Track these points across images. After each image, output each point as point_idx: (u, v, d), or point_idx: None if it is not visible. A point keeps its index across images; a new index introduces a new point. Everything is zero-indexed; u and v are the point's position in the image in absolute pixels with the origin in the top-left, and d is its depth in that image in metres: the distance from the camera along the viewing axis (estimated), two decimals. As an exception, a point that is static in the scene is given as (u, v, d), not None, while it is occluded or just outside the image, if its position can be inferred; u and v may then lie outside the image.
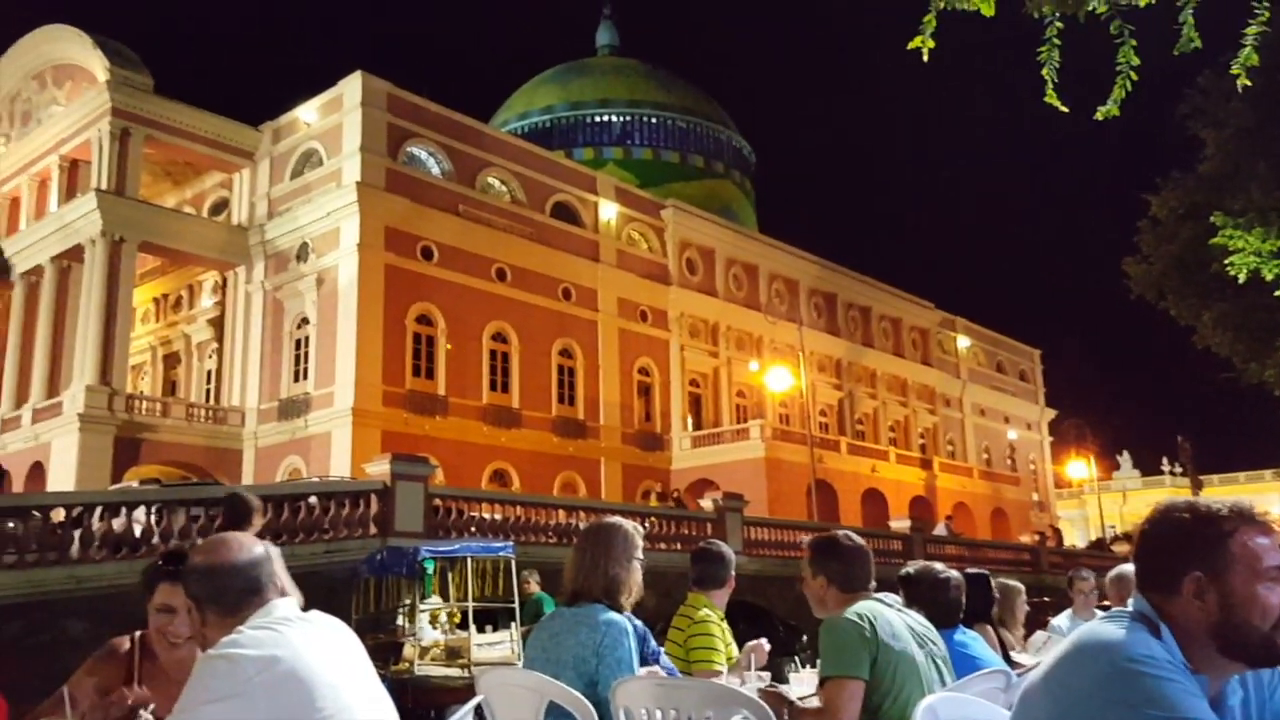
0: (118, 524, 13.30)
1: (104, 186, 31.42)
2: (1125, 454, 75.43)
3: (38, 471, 30.82)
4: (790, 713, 3.23)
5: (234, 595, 2.18)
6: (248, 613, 2.15)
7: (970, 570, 5.28)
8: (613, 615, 3.36)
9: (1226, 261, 15.69)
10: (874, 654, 3.11)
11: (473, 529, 17.07)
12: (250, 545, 2.30)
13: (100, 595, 11.75)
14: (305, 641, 2.10)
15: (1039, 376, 63.01)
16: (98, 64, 32.75)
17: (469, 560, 13.86)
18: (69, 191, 34.12)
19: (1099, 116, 4.83)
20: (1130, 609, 1.74)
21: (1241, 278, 15.57)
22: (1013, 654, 4.79)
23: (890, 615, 3.25)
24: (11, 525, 12.55)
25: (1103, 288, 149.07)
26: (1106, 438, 68.40)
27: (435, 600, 13.67)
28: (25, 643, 11.12)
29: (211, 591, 2.18)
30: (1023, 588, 5.64)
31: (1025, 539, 37.47)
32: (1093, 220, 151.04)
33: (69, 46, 34.80)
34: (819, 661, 3.20)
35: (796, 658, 3.98)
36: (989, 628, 4.86)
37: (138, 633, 2.66)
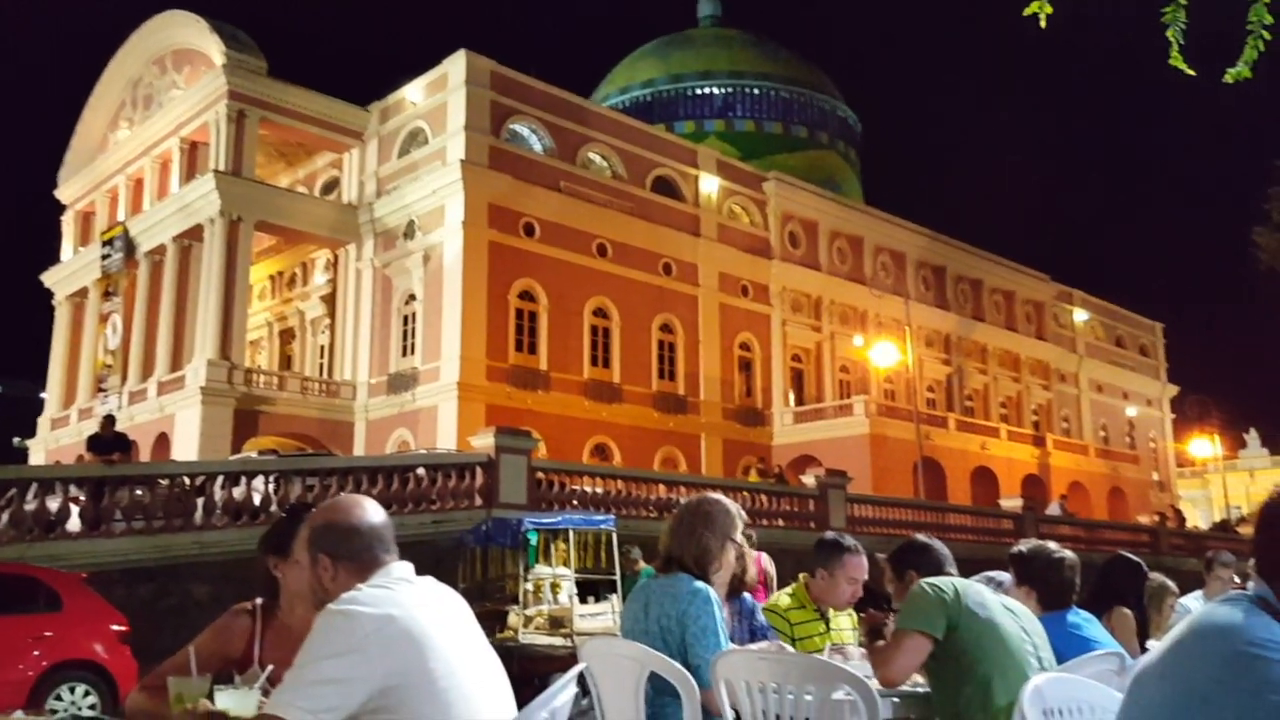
0: (238, 492, 13.89)
1: (222, 168, 32.62)
2: (1252, 431, 71.85)
3: (163, 442, 32.38)
4: (870, 650, 3.35)
5: (364, 553, 2.25)
6: (371, 572, 2.21)
7: (1126, 554, 5.12)
8: (699, 585, 3.35)
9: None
10: (954, 618, 3.08)
11: (574, 502, 17.30)
12: (378, 507, 2.38)
13: (224, 560, 12.29)
14: (419, 602, 2.15)
15: (1161, 351, 60.46)
16: (214, 48, 33.95)
17: (571, 532, 14.07)
18: (189, 173, 35.52)
19: (1228, 79, 4.55)
20: (1249, 592, 1.65)
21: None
22: (1149, 642, 4.61)
23: (980, 587, 3.22)
24: (139, 493, 13.23)
25: (1230, 259, 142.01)
26: (1232, 415, 65.17)
27: (539, 570, 13.90)
28: (155, 605, 11.71)
29: (343, 548, 2.25)
30: (1176, 589, 5.41)
31: (1144, 520, 36.12)
32: (1221, 188, 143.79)
33: (187, 31, 36.14)
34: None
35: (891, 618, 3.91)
36: (1128, 612, 4.68)
37: (259, 600, 2.74)
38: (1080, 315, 53.69)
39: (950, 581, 3.21)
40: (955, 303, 47.42)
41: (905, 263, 45.68)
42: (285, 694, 1.95)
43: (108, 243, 37.26)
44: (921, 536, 3.85)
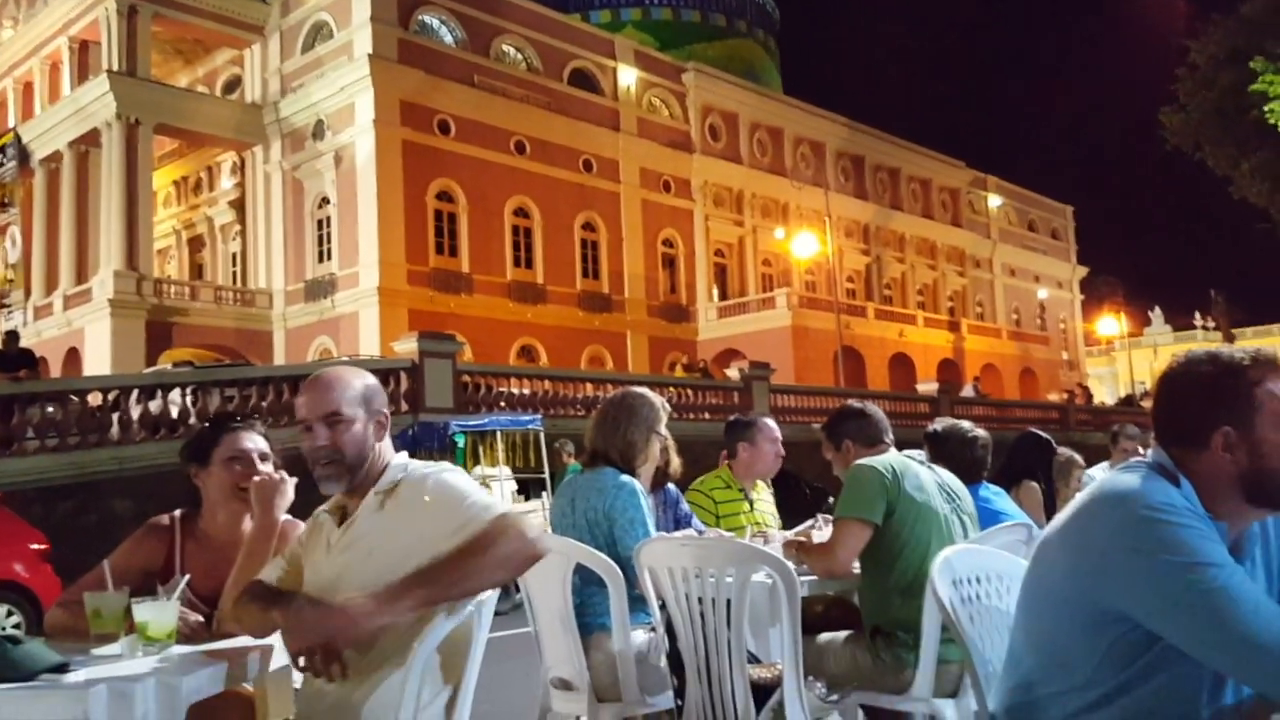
0: (155, 406, 13.59)
1: (115, 68, 30.95)
2: (1157, 309, 74.68)
3: (73, 357, 31.39)
4: (794, 552, 3.35)
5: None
6: None
7: (1035, 431, 5.31)
8: (625, 478, 3.38)
9: (1266, 109, 15.17)
10: (893, 503, 3.14)
11: (502, 404, 17.31)
12: None
13: (143, 475, 12.09)
14: None
15: (1071, 234, 61.95)
16: (97, -61, 31.84)
17: (499, 434, 14.11)
18: (81, 75, 33.68)
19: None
20: (1149, 460, 1.71)
21: (1281, 125, 15.08)
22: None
23: (918, 469, 3.27)
24: (51, 410, 12.86)
25: (1138, 141, 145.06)
26: (1139, 294, 67.79)
27: (473, 472, 13.95)
28: (75, 523, 11.50)
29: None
30: (1083, 462, 5.62)
31: (1054, 398, 37.55)
32: (1129, 70, 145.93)
33: (67, -79, 33.81)
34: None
35: (820, 516, 4.02)
36: (1035, 485, 4.86)
37: (178, 511, 2.70)
38: (994, 201, 54.59)
39: (889, 464, 3.23)
40: (874, 192, 47.79)
41: (825, 153, 45.71)
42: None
43: (-1, 150, 35.37)
44: (856, 402, 3.83)
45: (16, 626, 7.77)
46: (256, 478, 2.56)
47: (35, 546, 8.49)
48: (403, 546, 2.03)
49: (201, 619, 2.36)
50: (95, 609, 2.13)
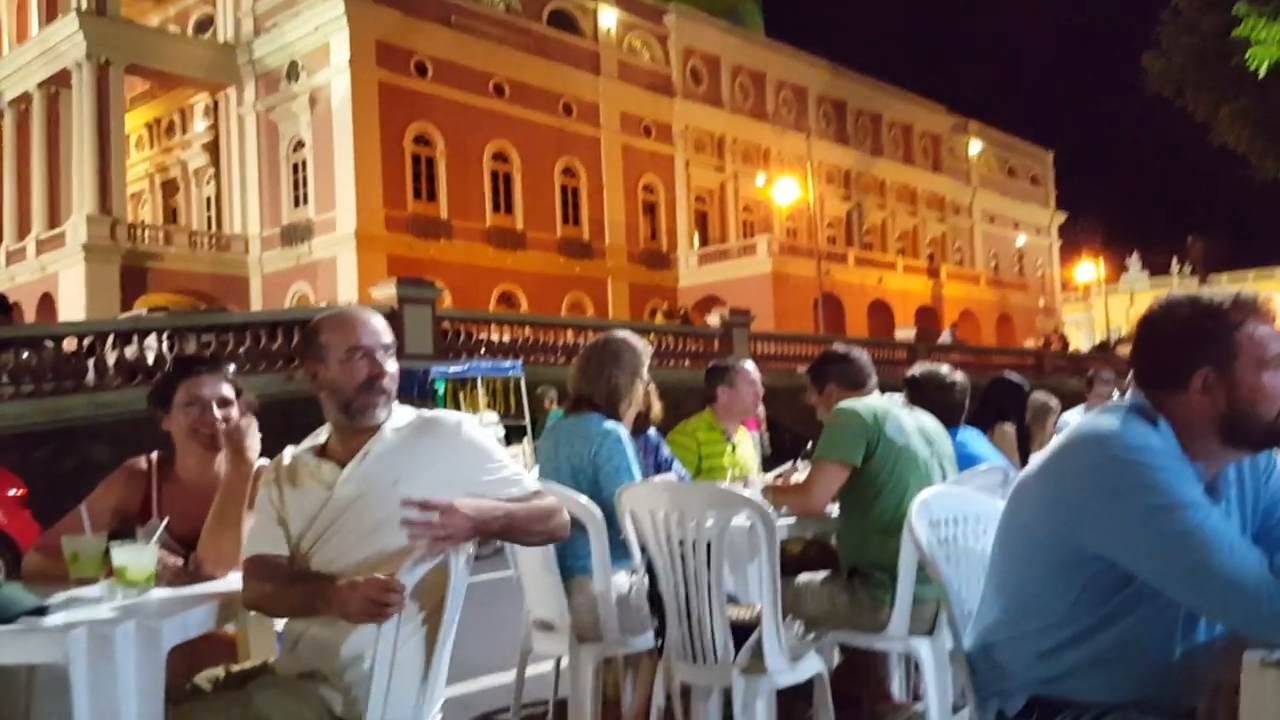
0: (130, 352, 13.47)
1: (84, 7, 30.17)
2: (1134, 255, 74.92)
3: (47, 304, 31.02)
4: (772, 494, 3.38)
5: None
6: None
7: (1009, 375, 5.35)
8: (610, 424, 3.38)
9: (1248, 54, 15.09)
10: (873, 445, 3.16)
11: (482, 351, 17.26)
12: None
13: (120, 421, 12.00)
14: None
15: (1050, 179, 61.91)
16: (61, -128, 30.88)
17: (480, 380, 14.10)
18: (49, 13, 32.77)
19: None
20: (1127, 402, 1.72)
21: (1262, 72, 15.04)
22: (1031, 457, 4.86)
23: (899, 412, 3.29)
24: (26, 356, 12.73)
25: (1119, 86, 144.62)
26: (1116, 240, 68.06)
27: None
28: (53, 468, 11.44)
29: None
30: (1058, 405, 5.66)
31: (1030, 344, 37.80)
32: (1111, 14, 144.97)
33: None
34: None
35: (799, 460, 4.05)
36: (1010, 428, 4.91)
37: (155, 454, 2.69)
38: (975, 146, 54.41)
39: (870, 408, 3.25)
40: (855, 138, 47.51)
41: (807, 98, 45.31)
42: None
43: (-36, 92, 34.53)
44: (840, 346, 3.85)
45: (-4, 572, 7.76)
46: (222, 425, 2.55)
47: (13, 492, 8.45)
48: (430, 479, 2.05)
49: (181, 562, 2.36)
50: (73, 553, 2.13)
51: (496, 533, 2.07)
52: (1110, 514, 1.58)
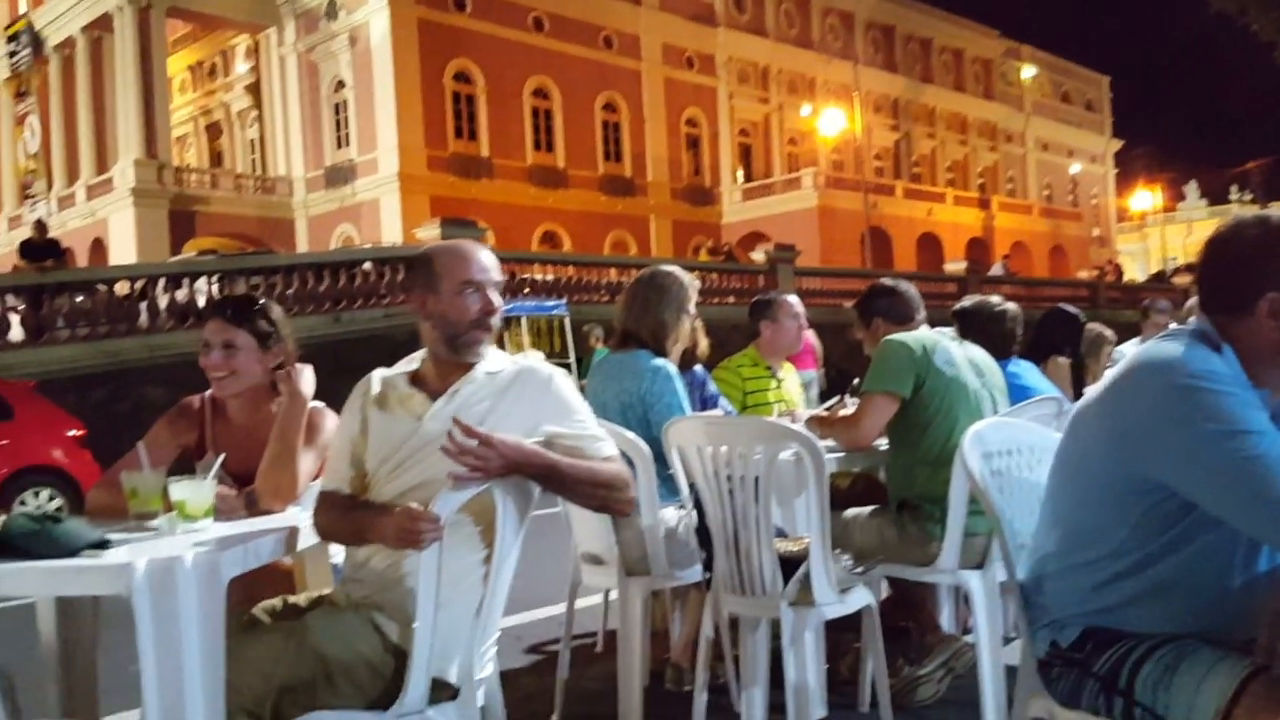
0: (181, 295, 13.68)
1: (122, -50, 30.22)
2: (1192, 183, 72.86)
3: (99, 248, 31.57)
4: (819, 425, 3.36)
5: None
6: None
7: (1065, 306, 5.25)
8: (659, 361, 3.36)
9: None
10: (922, 376, 3.12)
11: (525, 290, 17.30)
12: None
13: (173, 363, 12.23)
14: None
15: (1106, 105, 60.12)
16: None
17: (524, 319, 14.16)
18: (88, -44, 32.86)
19: None
20: (1190, 327, 1.67)
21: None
22: (1085, 389, 4.78)
23: (948, 344, 3.24)
24: (80, 299, 12.98)
25: (1179, 6, 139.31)
26: (1174, 168, 66.02)
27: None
28: (110, 409, 11.71)
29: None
30: (1114, 337, 5.55)
31: (1084, 275, 37.07)
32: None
33: None
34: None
35: (847, 396, 4.01)
36: (1064, 360, 4.82)
37: (208, 392, 2.73)
38: (1028, 71, 52.82)
39: (919, 339, 3.21)
40: (904, 65, 46.32)
41: (854, 24, 44.18)
42: None
43: (12, 38, 34.76)
44: (888, 280, 3.78)
45: (59, 509, 8.01)
46: (217, 373, 2.60)
47: (72, 433, 8.70)
48: (511, 426, 2.06)
49: (235, 492, 2.40)
50: (132, 489, 2.17)
51: (536, 478, 2.05)
52: (1172, 441, 1.54)
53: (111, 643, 2.58)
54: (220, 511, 2.19)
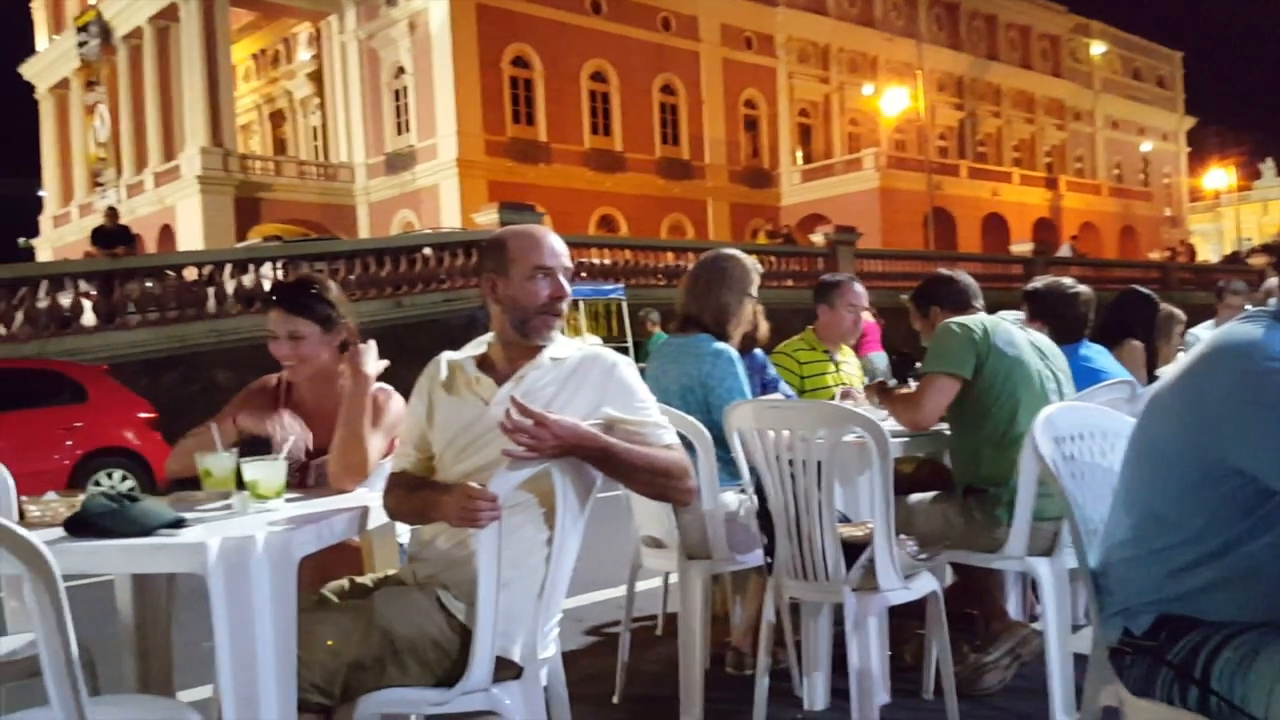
0: (247, 280, 13.95)
1: (188, -59, 30.79)
2: (1269, 162, 70.43)
3: (167, 235, 32.33)
4: (880, 397, 3.38)
5: None
6: None
7: (1137, 288, 5.13)
8: (721, 345, 3.35)
9: None
10: (983, 357, 3.07)
11: (583, 274, 17.35)
12: None
13: (240, 347, 12.50)
14: None
15: (1179, 83, 58.37)
16: None
17: (581, 303, 14.21)
18: (155, -52, 33.54)
19: None
20: (1270, 309, 1.61)
21: None
22: (1158, 372, 4.67)
23: (1008, 325, 3.19)
24: (149, 285, 13.31)
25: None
26: (1249, 146, 63.87)
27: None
28: (180, 392, 12.00)
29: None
30: (1184, 318, 5.41)
31: (1155, 256, 36.13)
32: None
33: None
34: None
35: (910, 380, 3.96)
36: (1138, 344, 4.70)
37: (284, 373, 2.77)
38: (1098, 48, 51.42)
39: (979, 320, 3.17)
40: (969, 42, 45.38)
41: (917, 1, 43.37)
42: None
43: (82, 29, 35.63)
44: (944, 270, 3.74)
45: (131, 489, 8.25)
46: (289, 363, 2.65)
47: (143, 415, 8.94)
48: (574, 412, 2.08)
49: (304, 456, 2.50)
50: (206, 469, 2.22)
51: (591, 460, 2.05)
52: (1251, 426, 1.49)
53: (186, 620, 2.65)
54: (292, 483, 2.26)
